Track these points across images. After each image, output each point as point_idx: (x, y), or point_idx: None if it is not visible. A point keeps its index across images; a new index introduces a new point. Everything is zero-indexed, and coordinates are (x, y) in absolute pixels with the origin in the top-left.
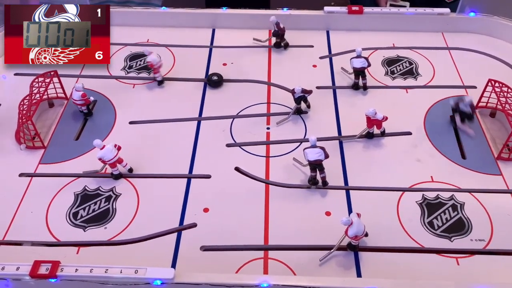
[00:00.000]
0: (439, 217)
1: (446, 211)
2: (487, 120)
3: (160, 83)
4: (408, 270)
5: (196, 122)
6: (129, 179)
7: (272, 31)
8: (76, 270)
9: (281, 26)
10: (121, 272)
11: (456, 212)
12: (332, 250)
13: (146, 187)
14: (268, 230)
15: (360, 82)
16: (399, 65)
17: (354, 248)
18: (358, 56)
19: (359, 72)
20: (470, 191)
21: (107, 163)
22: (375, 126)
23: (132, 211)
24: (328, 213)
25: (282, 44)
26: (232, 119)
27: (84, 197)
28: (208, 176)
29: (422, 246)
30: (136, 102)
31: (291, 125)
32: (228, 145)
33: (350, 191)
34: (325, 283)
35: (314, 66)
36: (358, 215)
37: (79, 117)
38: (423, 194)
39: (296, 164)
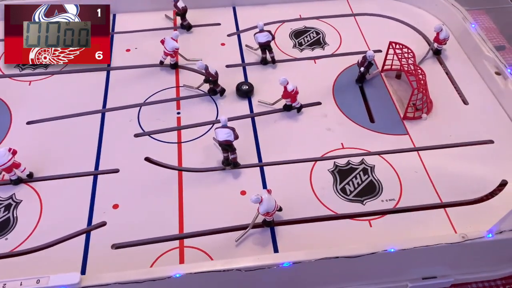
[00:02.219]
0: (351, 183)
1: (358, 175)
2: (393, 82)
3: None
4: (323, 238)
5: (100, 114)
6: (30, 183)
7: (176, 11)
8: None
9: (180, 6)
10: (21, 285)
11: (367, 176)
12: (247, 229)
13: (49, 190)
14: (183, 218)
15: (268, 57)
16: (306, 36)
17: (269, 224)
18: (261, 31)
19: (265, 46)
20: (379, 153)
21: (0, 168)
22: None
23: (35, 217)
24: (243, 192)
25: (185, 25)
26: (139, 107)
27: None
28: (116, 171)
29: (336, 212)
30: (34, 100)
31: (202, 107)
32: (136, 135)
33: (264, 167)
34: (239, 263)
35: (223, 44)
36: (269, 191)
37: None
38: (334, 162)
39: (215, 144)
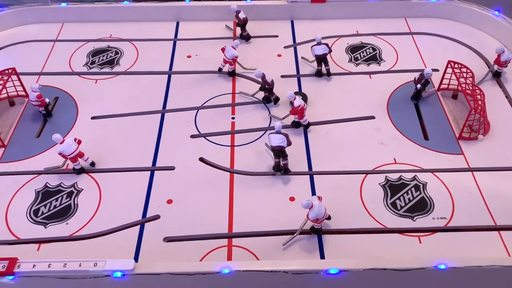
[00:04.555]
0: (401, 198)
1: (409, 191)
2: (450, 102)
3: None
4: (371, 251)
5: (160, 114)
6: (91, 174)
7: (237, 22)
8: (34, 266)
9: (241, 16)
10: (80, 266)
11: (418, 192)
12: (295, 234)
13: (108, 181)
14: (233, 218)
15: (323, 69)
16: (362, 52)
17: (317, 231)
18: (319, 43)
19: (322, 59)
20: (432, 171)
21: (68, 158)
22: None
23: (94, 206)
24: (292, 199)
25: (244, 35)
26: (196, 110)
27: (45, 193)
28: (172, 168)
29: (385, 226)
30: (99, 97)
31: (256, 114)
32: (192, 136)
33: (314, 176)
34: (287, 266)
35: (279, 55)
36: (319, 198)
37: (40, 115)
38: (386, 176)
39: (267, 150)
